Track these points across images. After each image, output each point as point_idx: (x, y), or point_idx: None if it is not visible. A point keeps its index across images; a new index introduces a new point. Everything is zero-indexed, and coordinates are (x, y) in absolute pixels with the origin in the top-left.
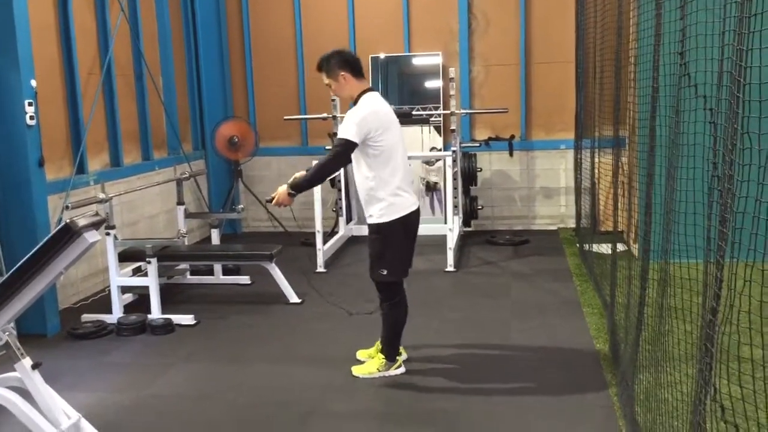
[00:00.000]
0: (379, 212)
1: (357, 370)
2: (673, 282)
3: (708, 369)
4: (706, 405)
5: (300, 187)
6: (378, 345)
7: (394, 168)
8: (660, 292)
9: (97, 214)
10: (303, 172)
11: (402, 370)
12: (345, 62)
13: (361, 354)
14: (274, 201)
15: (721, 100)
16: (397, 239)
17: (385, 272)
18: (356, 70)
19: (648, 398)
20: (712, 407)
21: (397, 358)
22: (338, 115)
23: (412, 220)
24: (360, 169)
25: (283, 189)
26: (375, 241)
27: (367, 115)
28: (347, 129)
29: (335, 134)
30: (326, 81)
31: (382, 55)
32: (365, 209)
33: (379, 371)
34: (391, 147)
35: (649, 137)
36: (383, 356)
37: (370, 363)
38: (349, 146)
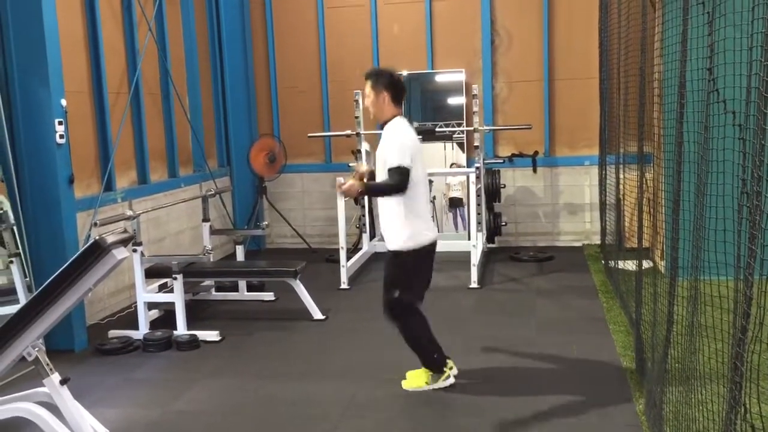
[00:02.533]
0: (404, 240)
1: (406, 384)
2: (703, 299)
3: (738, 388)
4: (737, 425)
5: (369, 192)
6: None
7: (422, 197)
8: (690, 310)
9: (125, 230)
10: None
11: (451, 381)
12: (393, 85)
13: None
14: (344, 187)
15: (750, 115)
16: (416, 267)
17: (397, 294)
18: (398, 97)
19: (677, 417)
20: (742, 427)
21: (445, 369)
22: (362, 132)
23: (432, 250)
24: (391, 199)
25: (357, 184)
26: (394, 266)
27: (410, 142)
28: (402, 155)
29: (359, 151)
30: (368, 91)
31: (405, 72)
32: (388, 234)
33: (428, 384)
34: (422, 177)
35: (677, 153)
36: (427, 370)
37: (417, 377)
38: (408, 172)
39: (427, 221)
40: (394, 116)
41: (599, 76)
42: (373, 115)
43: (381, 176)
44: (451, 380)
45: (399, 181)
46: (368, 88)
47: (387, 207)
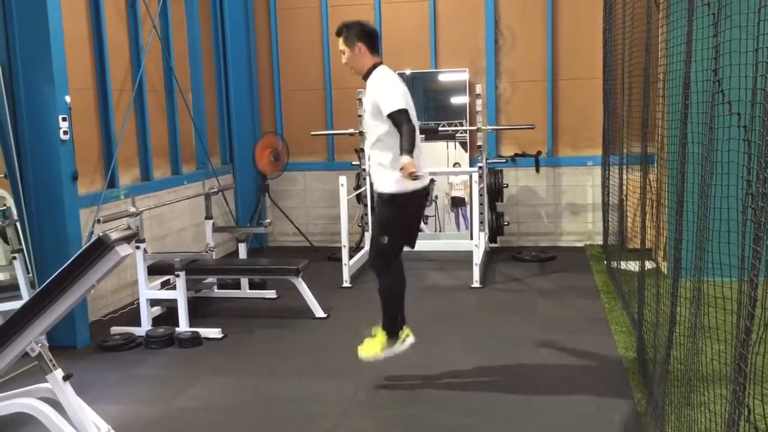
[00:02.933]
0: (394, 181)
1: (361, 351)
2: (706, 300)
3: (742, 389)
4: (740, 426)
5: (411, 148)
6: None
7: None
8: (693, 311)
9: (128, 227)
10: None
11: (410, 341)
12: (364, 34)
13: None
14: (405, 174)
15: (755, 117)
16: (407, 210)
17: (386, 240)
18: (373, 45)
19: (679, 418)
20: (746, 428)
21: (400, 334)
22: (365, 131)
23: (422, 194)
24: (381, 138)
25: (408, 160)
26: (385, 209)
27: (399, 85)
28: (395, 100)
29: (362, 150)
30: (341, 47)
31: (408, 72)
32: (379, 177)
33: (383, 351)
34: (414, 120)
35: (680, 154)
36: (384, 332)
37: (372, 343)
38: (407, 112)
39: (420, 163)
40: (375, 65)
41: (603, 76)
42: (353, 69)
43: (370, 125)
44: (411, 340)
45: (407, 123)
46: (341, 44)
47: (378, 150)
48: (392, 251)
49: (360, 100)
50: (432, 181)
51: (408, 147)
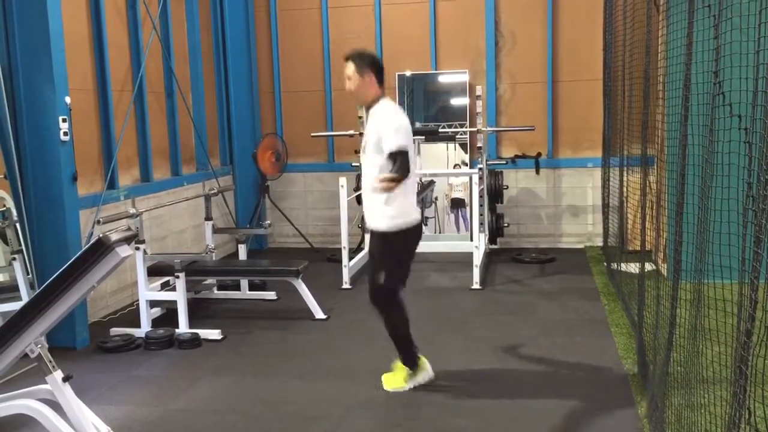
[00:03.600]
0: (389, 220)
1: (387, 384)
2: (706, 303)
3: (742, 391)
4: (741, 428)
5: (400, 177)
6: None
7: (411, 179)
8: (693, 313)
9: (129, 228)
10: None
11: (430, 373)
12: (376, 65)
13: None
14: (383, 187)
15: (756, 119)
16: (403, 248)
17: (383, 279)
18: (381, 77)
19: (680, 420)
20: (746, 431)
21: (418, 363)
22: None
23: (417, 232)
24: (380, 173)
25: (390, 175)
26: (379, 247)
27: (404, 122)
28: (401, 138)
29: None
30: (350, 73)
31: (408, 73)
32: (373, 214)
33: (407, 383)
34: (413, 158)
35: (681, 156)
36: (404, 366)
37: (396, 375)
38: (407, 154)
39: (413, 202)
40: (380, 97)
41: (603, 77)
42: (356, 97)
43: (370, 157)
44: (430, 372)
45: (407, 163)
46: (351, 70)
47: (373, 187)
48: (391, 289)
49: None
50: (432, 182)
51: (397, 170)
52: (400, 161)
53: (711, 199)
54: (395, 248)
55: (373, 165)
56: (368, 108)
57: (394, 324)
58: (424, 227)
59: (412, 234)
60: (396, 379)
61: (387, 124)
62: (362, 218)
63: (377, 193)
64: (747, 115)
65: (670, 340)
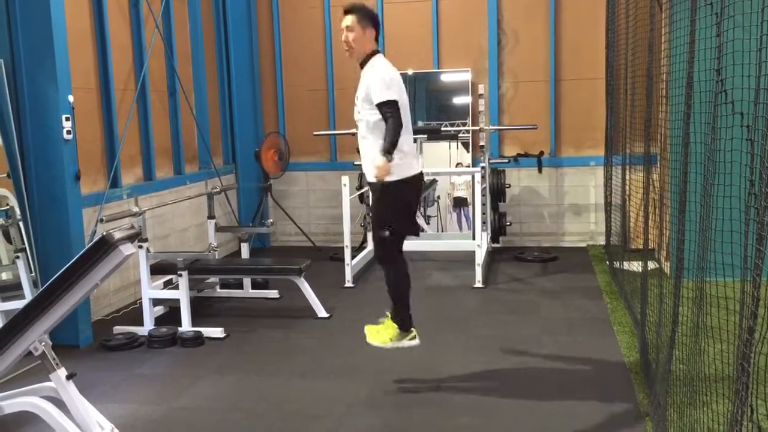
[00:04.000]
0: (390, 171)
1: (370, 337)
2: (708, 300)
3: (745, 389)
4: (743, 425)
5: (392, 150)
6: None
7: (405, 130)
8: (695, 311)
9: (132, 227)
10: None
11: (416, 342)
12: (374, 21)
13: (368, 328)
14: (377, 174)
15: (758, 117)
16: (403, 199)
17: (387, 232)
18: (377, 34)
19: (682, 418)
20: (749, 428)
21: (412, 330)
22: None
23: (417, 181)
24: (373, 126)
25: (381, 160)
26: (380, 200)
27: (395, 76)
28: (388, 91)
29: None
30: (350, 23)
31: (410, 71)
32: (371, 166)
33: (392, 341)
34: (405, 110)
35: (683, 154)
36: (394, 324)
37: (383, 330)
38: (397, 106)
39: (411, 152)
40: (374, 52)
41: (605, 76)
42: (355, 51)
43: (362, 111)
44: (417, 341)
45: (396, 115)
46: (352, 21)
47: (370, 141)
48: (394, 242)
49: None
50: (434, 181)
51: (387, 146)
52: (389, 116)
53: (713, 197)
54: (393, 200)
55: (365, 120)
56: (362, 64)
57: (392, 279)
58: (426, 225)
59: (411, 185)
60: (381, 335)
61: (376, 77)
62: (364, 217)
63: (374, 143)
64: (749, 112)
65: (673, 338)
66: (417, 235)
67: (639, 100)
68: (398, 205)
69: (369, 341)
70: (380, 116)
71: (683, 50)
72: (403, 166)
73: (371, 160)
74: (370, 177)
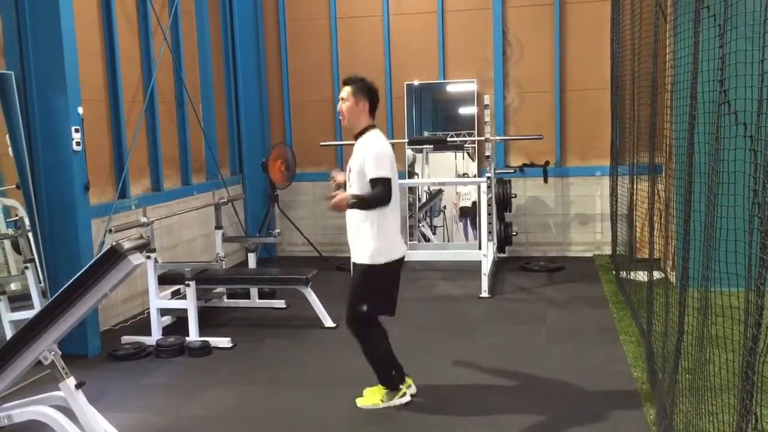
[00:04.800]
0: (371, 252)
1: (361, 401)
2: (714, 310)
3: (749, 397)
4: None
5: (360, 205)
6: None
7: (394, 211)
8: (700, 320)
9: (141, 236)
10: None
11: (407, 399)
12: (371, 94)
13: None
14: (333, 202)
15: (761, 127)
16: (384, 281)
17: (365, 308)
18: (374, 108)
19: (688, 428)
20: None
21: (401, 387)
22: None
23: (399, 264)
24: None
25: (346, 196)
26: (360, 279)
27: (388, 152)
28: (381, 167)
29: None
30: (345, 96)
31: (416, 82)
32: (358, 246)
33: (382, 402)
34: (395, 188)
35: (688, 164)
36: (383, 387)
37: (373, 394)
38: (390, 183)
39: (397, 235)
40: (369, 126)
41: (611, 86)
42: (347, 121)
43: (354, 187)
44: (407, 398)
45: (385, 192)
46: (347, 93)
47: (357, 218)
48: (371, 317)
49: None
50: (440, 191)
51: (361, 201)
52: (380, 187)
53: (717, 207)
54: (376, 282)
55: (357, 192)
56: (357, 137)
57: (370, 348)
58: (432, 236)
59: (393, 268)
60: (371, 397)
61: (370, 153)
62: None
63: (362, 221)
64: (752, 123)
65: (679, 347)
66: (392, 314)
67: (644, 111)
68: (379, 287)
69: (360, 405)
70: (370, 189)
71: (687, 61)
72: (387, 252)
73: (359, 237)
74: (354, 255)
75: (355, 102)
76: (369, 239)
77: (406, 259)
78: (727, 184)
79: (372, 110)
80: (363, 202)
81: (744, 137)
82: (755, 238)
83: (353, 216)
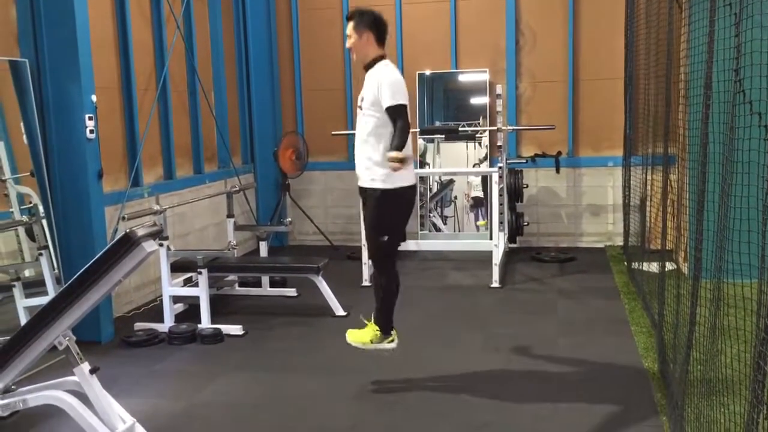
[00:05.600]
0: (384, 177)
1: (350, 336)
2: (726, 301)
3: (761, 387)
4: (759, 425)
5: (402, 148)
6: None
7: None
8: (712, 311)
9: (154, 224)
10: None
11: (394, 345)
12: (375, 23)
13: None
14: (393, 167)
15: None
16: (398, 206)
17: (386, 238)
18: (381, 36)
19: (699, 419)
20: (765, 426)
21: (392, 333)
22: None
23: (409, 196)
24: (375, 130)
25: (395, 153)
26: (376, 207)
27: (401, 80)
28: (398, 94)
29: None
30: (349, 32)
31: (428, 72)
32: (368, 172)
33: (372, 342)
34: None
35: (701, 154)
36: (377, 328)
37: (364, 332)
38: (407, 111)
39: (411, 162)
40: (380, 57)
41: (624, 76)
42: (356, 57)
43: (366, 116)
44: (395, 344)
45: (405, 120)
46: (350, 28)
47: (370, 144)
48: (390, 247)
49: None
50: (451, 181)
51: (398, 144)
52: (399, 119)
53: (731, 197)
54: (386, 208)
55: (367, 124)
56: (367, 68)
57: (384, 283)
58: (443, 226)
59: (403, 196)
60: (361, 336)
61: (384, 82)
62: None
63: (375, 148)
64: (767, 113)
65: (690, 338)
66: (403, 239)
67: (658, 100)
68: (389, 214)
69: (349, 341)
70: (385, 121)
71: (702, 50)
72: (406, 175)
73: (372, 163)
74: (366, 183)
75: (359, 36)
76: (381, 165)
77: (416, 249)
78: (741, 174)
79: (380, 40)
80: (403, 143)
81: (759, 127)
82: None
83: (370, 143)
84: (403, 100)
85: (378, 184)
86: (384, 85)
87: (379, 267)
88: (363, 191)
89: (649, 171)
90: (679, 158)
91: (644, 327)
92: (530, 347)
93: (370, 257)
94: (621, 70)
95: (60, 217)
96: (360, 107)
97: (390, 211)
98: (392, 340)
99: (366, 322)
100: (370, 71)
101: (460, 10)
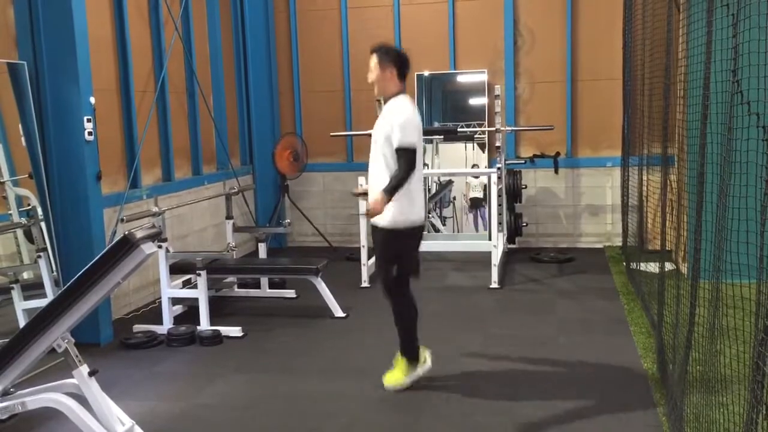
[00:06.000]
0: (393, 216)
1: (387, 381)
2: (725, 301)
3: (760, 388)
4: (758, 425)
5: (393, 192)
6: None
7: (417, 174)
8: (711, 312)
9: (153, 226)
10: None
11: (428, 365)
12: (399, 61)
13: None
14: (370, 212)
15: None
16: (400, 247)
17: (396, 271)
18: (403, 73)
19: (698, 419)
20: (764, 426)
21: (419, 357)
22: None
23: (416, 234)
24: (386, 166)
25: (378, 197)
26: (382, 242)
27: (415, 121)
28: (408, 134)
29: None
30: (372, 65)
31: (426, 73)
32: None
33: (406, 376)
34: (419, 155)
35: (700, 155)
36: (405, 359)
37: (396, 371)
38: (414, 152)
39: (417, 202)
40: (398, 92)
41: (622, 77)
42: (377, 91)
43: (377, 150)
44: (429, 364)
45: (409, 163)
46: (374, 62)
47: (381, 181)
48: (394, 280)
49: (379, 101)
50: (450, 182)
51: (391, 188)
52: (404, 162)
53: (729, 198)
54: (394, 245)
55: (380, 155)
56: (386, 101)
57: (401, 312)
58: (442, 227)
59: (410, 235)
60: (396, 376)
61: (399, 119)
62: None
63: (385, 180)
64: (765, 113)
65: (689, 338)
66: (417, 276)
67: (656, 101)
68: (397, 250)
69: (387, 387)
70: (394, 155)
71: (700, 51)
72: (406, 216)
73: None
74: (381, 220)
75: (381, 71)
76: (390, 205)
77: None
78: (740, 174)
79: (401, 75)
80: (395, 189)
81: (757, 128)
82: (767, 229)
83: (379, 179)
84: (412, 139)
85: (382, 222)
86: (396, 125)
87: (393, 294)
88: (375, 229)
89: (648, 171)
90: (677, 158)
91: (643, 327)
92: (529, 348)
93: (382, 288)
94: (619, 70)
95: (59, 219)
96: (374, 139)
97: (397, 245)
98: (424, 362)
99: (393, 362)
100: (386, 106)
101: (459, 10)
